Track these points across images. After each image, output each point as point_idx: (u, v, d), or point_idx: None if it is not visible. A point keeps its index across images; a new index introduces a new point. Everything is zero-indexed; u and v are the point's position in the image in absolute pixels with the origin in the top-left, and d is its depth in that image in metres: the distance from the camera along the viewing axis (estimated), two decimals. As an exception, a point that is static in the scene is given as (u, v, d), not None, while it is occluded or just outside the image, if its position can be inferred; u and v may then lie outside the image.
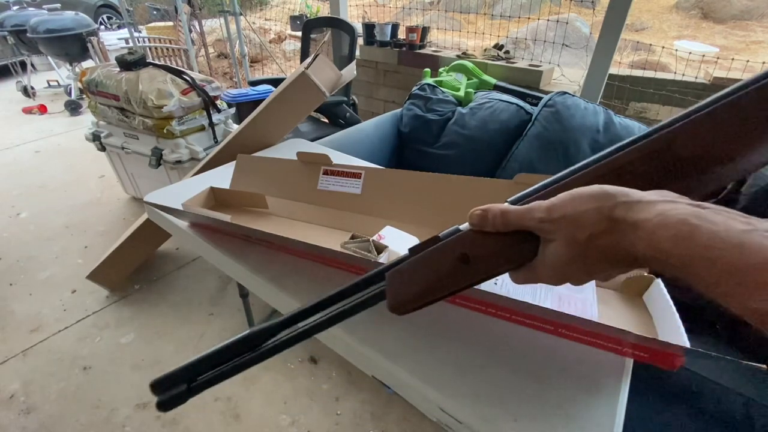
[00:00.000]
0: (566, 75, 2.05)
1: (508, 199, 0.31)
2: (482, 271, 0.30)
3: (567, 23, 2.06)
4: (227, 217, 0.69)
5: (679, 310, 0.49)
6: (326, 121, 2.13)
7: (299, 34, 2.34)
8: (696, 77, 1.91)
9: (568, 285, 0.61)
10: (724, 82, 1.84)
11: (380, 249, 0.69)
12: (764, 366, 0.36)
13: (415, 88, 1.68)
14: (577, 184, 0.28)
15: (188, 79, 1.73)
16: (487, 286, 0.60)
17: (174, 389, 0.30)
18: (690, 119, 0.26)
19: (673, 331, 0.48)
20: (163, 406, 0.31)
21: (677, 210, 0.22)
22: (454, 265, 0.30)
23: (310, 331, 0.33)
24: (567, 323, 0.48)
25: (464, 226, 0.31)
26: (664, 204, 0.23)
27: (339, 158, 1.07)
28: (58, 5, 3.97)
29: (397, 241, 0.70)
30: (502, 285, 0.60)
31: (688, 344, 0.42)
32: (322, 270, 0.66)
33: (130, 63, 1.71)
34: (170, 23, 4.47)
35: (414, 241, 0.72)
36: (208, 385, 0.32)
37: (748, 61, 1.85)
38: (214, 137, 1.85)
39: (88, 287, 1.66)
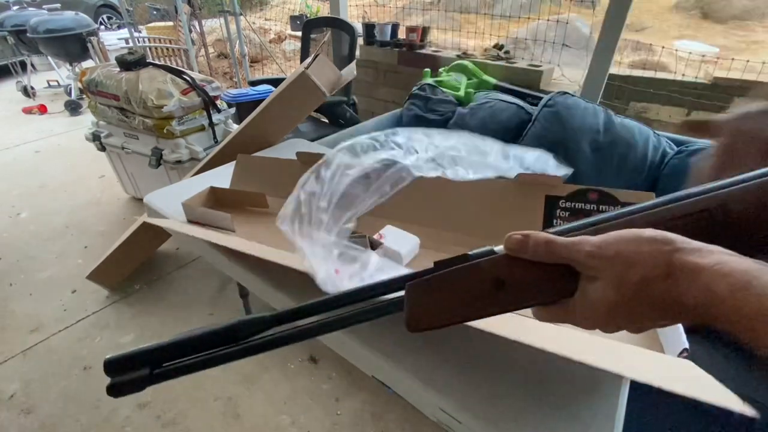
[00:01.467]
0: (566, 75, 2.05)
1: (551, 230, 0.28)
2: (514, 300, 0.28)
3: (567, 23, 2.06)
4: (227, 216, 0.69)
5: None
6: (326, 121, 2.13)
7: (299, 34, 2.34)
8: (696, 77, 1.91)
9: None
10: (724, 82, 1.84)
11: (375, 245, 0.70)
12: (764, 366, 0.36)
13: (415, 88, 1.68)
14: (624, 228, 0.27)
15: (188, 79, 1.73)
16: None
17: (133, 372, 0.26)
18: (743, 184, 0.26)
19: (672, 331, 0.48)
20: (115, 390, 0.25)
21: (736, 261, 0.22)
22: (485, 288, 0.28)
23: (310, 332, 0.29)
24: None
25: (499, 248, 0.29)
26: (723, 255, 0.23)
27: (339, 158, 1.06)
28: (58, 5, 3.97)
29: (397, 241, 0.71)
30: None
31: (687, 344, 0.43)
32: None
33: (130, 63, 1.71)
34: (170, 23, 4.47)
35: (414, 240, 0.72)
36: (174, 375, 0.27)
37: (748, 61, 1.85)
38: (214, 137, 1.85)
39: (88, 287, 1.66)
